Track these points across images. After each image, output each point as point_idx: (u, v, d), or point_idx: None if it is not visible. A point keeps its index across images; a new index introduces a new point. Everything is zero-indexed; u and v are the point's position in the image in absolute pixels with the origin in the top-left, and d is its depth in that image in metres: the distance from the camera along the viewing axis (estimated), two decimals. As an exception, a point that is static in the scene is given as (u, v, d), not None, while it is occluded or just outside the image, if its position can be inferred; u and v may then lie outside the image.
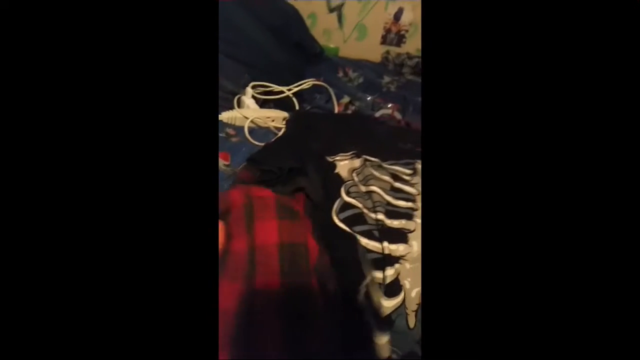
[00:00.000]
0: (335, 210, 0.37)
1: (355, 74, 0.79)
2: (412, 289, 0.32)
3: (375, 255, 0.34)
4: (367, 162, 0.43)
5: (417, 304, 0.32)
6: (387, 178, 0.41)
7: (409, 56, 0.80)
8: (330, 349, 0.28)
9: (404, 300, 0.32)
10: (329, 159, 0.43)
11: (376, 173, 0.42)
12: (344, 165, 0.42)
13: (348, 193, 0.39)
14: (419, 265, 0.33)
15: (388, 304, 0.31)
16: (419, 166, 0.46)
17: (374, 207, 0.38)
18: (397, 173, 0.43)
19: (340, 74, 0.80)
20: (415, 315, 0.31)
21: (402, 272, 0.33)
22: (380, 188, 0.40)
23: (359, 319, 0.31)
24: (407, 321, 0.31)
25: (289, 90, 0.57)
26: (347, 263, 0.33)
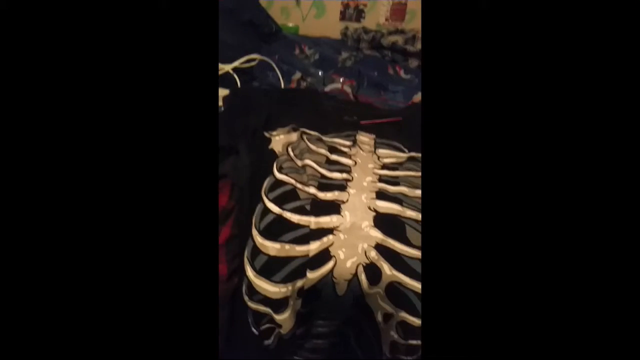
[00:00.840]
0: (265, 190, 0.36)
1: (312, 50, 0.77)
2: (347, 260, 0.32)
3: (304, 231, 0.33)
4: (305, 136, 0.42)
5: (351, 274, 0.31)
6: (323, 151, 0.40)
7: (365, 30, 0.78)
8: None
9: (332, 269, 0.31)
10: (266, 134, 0.42)
11: (312, 146, 0.41)
12: (280, 140, 0.41)
13: (280, 169, 0.38)
14: (352, 236, 0.33)
15: (312, 276, 0.31)
16: (360, 137, 0.45)
17: (308, 181, 0.37)
18: (336, 145, 0.42)
19: (297, 52, 0.78)
20: (348, 285, 0.31)
21: (336, 242, 0.33)
22: (315, 161, 0.39)
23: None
24: (335, 289, 0.30)
25: (229, 66, 0.55)
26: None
